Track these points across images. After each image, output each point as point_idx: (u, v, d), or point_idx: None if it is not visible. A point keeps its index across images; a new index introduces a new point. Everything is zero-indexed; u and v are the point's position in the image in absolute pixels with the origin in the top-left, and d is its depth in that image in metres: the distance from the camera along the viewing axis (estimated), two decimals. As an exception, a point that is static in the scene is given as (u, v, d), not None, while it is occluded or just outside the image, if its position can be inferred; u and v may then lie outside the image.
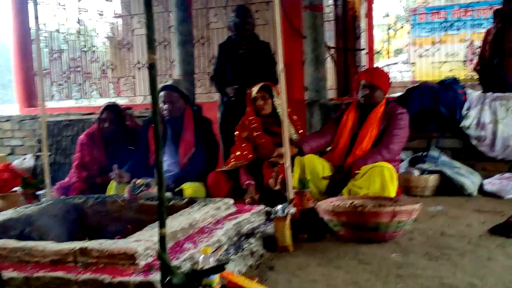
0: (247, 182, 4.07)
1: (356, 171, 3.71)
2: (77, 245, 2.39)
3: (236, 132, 4.34)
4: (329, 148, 4.16)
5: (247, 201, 3.93)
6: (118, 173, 3.99)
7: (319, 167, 3.89)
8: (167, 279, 1.89)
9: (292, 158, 3.79)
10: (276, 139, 4.06)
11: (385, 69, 9.21)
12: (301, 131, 4.33)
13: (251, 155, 4.21)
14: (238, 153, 4.23)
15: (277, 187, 3.74)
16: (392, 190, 3.62)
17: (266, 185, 3.92)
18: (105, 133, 4.62)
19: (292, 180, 3.47)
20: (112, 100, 6.51)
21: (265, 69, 4.84)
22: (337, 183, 3.81)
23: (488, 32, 7.45)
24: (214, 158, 4.35)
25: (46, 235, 3.20)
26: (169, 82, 4.31)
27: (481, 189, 4.62)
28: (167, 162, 4.22)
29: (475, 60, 7.58)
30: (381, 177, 3.61)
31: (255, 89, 4.20)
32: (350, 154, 3.94)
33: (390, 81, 4.18)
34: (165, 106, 4.17)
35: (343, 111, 4.18)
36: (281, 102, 3.96)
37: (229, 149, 4.43)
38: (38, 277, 2.26)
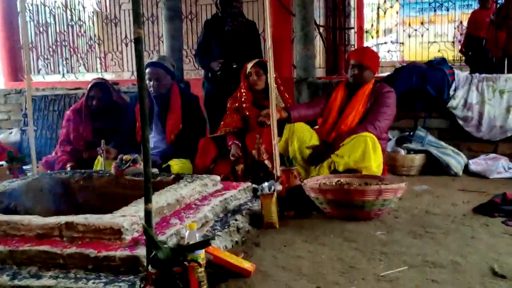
0: (231, 142, 4.10)
1: (341, 144, 3.72)
2: (63, 219, 2.39)
3: (228, 103, 4.37)
4: (316, 127, 4.16)
5: (231, 155, 3.99)
6: (105, 148, 3.97)
7: (307, 135, 3.92)
8: (153, 253, 1.90)
9: (282, 124, 3.85)
10: None
11: (374, 49, 9.20)
12: (289, 100, 4.36)
13: (238, 124, 4.24)
14: (227, 120, 4.28)
15: (260, 157, 3.73)
16: (373, 160, 3.60)
17: (250, 153, 3.92)
18: (93, 110, 4.59)
19: (279, 146, 3.51)
20: (99, 75, 6.45)
21: (252, 47, 4.81)
22: (320, 154, 3.82)
23: (472, 16, 7.48)
24: (201, 134, 4.33)
25: (31, 209, 3.19)
26: (155, 59, 4.26)
27: (466, 169, 4.64)
28: (154, 139, 4.21)
29: (461, 45, 7.62)
30: (364, 146, 3.61)
31: (250, 65, 4.20)
32: (335, 128, 3.96)
33: (379, 61, 4.18)
34: (151, 83, 4.13)
35: (333, 89, 4.20)
36: (272, 80, 4.04)
37: (215, 125, 4.47)
38: (23, 250, 2.26)
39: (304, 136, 3.90)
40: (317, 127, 4.17)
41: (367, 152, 3.59)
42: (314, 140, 3.94)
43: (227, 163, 4.04)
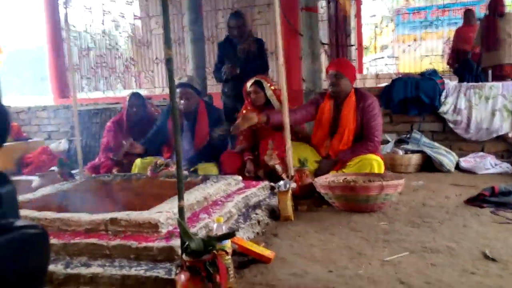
0: (246, 158, 4.11)
1: (348, 163, 3.69)
2: (108, 216, 2.42)
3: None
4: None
5: (246, 170, 3.99)
6: (130, 142, 4.01)
7: (308, 153, 3.87)
8: (186, 244, 1.91)
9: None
10: None
11: (372, 63, 9.16)
12: None
13: (250, 141, 4.23)
14: (240, 138, 4.27)
15: (271, 162, 3.72)
16: None
17: (263, 161, 3.91)
18: (132, 117, 4.63)
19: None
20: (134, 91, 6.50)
21: (259, 61, 4.82)
22: (326, 168, 3.74)
23: (457, 32, 7.43)
24: (224, 141, 4.35)
25: (80, 207, 3.23)
26: (184, 80, 4.29)
27: (457, 166, 4.61)
28: (184, 149, 4.22)
29: (448, 57, 7.57)
30: (370, 168, 3.58)
31: (248, 84, 4.19)
32: (331, 144, 3.86)
33: (355, 71, 4.07)
34: (181, 102, 4.16)
35: (319, 102, 3.98)
36: (271, 93, 4.11)
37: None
38: (74, 243, 2.29)
39: (306, 153, 3.83)
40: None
41: (373, 172, 3.56)
42: (313, 155, 3.90)
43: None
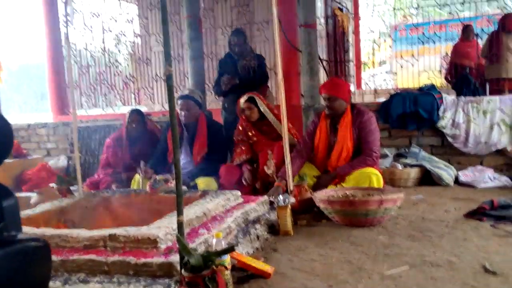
0: (244, 167, 4.14)
1: (346, 177, 3.69)
2: (106, 232, 2.41)
3: (234, 137, 4.38)
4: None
5: (243, 177, 4.02)
6: (144, 169, 4.03)
7: (310, 170, 3.91)
8: (185, 259, 1.90)
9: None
10: (268, 136, 4.25)
11: (371, 78, 9.19)
12: (293, 131, 4.32)
13: (248, 154, 4.25)
14: (238, 151, 4.28)
15: (270, 170, 3.73)
16: None
17: (262, 171, 3.92)
18: (132, 133, 4.65)
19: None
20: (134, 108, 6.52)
21: (259, 76, 4.86)
22: (324, 183, 3.75)
23: (456, 47, 7.50)
24: (224, 155, 4.36)
25: (79, 224, 3.22)
26: (186, 92, 4.33)
27: (456, 180, 4.60)
28: (183, 161, 4.24)
29: (446, 72, 7.61)
30: (369, 182, 3.58)
31: (242, 101, 4.23)
32: (329, 161, 3.88)
33: (348, 88, 4.06)
34: (183, 113, 4.19)
35: (316, 124, 4.02)
36: (265, 108, 4.18)
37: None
38: (73, 259, 2.28)
39: (305, 168, 3.89)
40: None
41: (372, 186, 3.56)
42: (311, 170, 3.92)
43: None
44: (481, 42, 7.27)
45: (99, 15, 7.95)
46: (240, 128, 4.34)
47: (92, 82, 8.17)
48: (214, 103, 6.85)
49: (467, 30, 7.44)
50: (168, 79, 1.99)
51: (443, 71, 8.83)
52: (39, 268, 0.80)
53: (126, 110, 6.32)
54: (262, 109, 4.19)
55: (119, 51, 8.49)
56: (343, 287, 2.09)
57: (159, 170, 4.07)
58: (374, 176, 3.60)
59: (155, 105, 8.08)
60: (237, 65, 4.87)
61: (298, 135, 4.40)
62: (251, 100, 4.19)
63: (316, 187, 3.75)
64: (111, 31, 8.15)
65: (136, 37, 8.51)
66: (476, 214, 3.21)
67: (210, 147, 4.26)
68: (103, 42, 8.18)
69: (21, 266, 0.76)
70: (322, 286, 2.12)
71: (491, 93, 5.53)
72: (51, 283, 2.13)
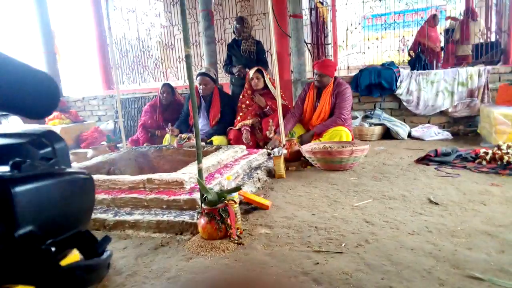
0: (244, 128, 4.04)
1: (323, 134, 3.68)
2: (145, 176, 2.43)
3: (239, 103, 4.27)
4: None
5: (243, 137, 3.95)
6: (171, 129, 4.02)
7: (298, 129, 3.90)
8: (204, 196, 1.92)
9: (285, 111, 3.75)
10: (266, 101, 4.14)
11: (344, 58, 9.03)
12: (284, 98, 4.25)
13: (253, 116, 4.12)
14: (238, 118, 4.16)
15: (271, 135, 3.72)
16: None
17: (265, 135, 3.91)
18: (164, 101, 4.61)
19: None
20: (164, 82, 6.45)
21: (258, 58, 4.73)
22: (306, 139, 3.75)
23: (422, 29, 7.26)
24: (232, 119, 4.33)
25: (124, 171, 3.24)
26: (203, 70, 4.25)
27: (409, 135, 4.59)
28: (202, 124, 4.21)
29: (410, 48, 7.39)
30: (339, 137, 3.58)
31: (252, 71, 4.15)
32: (311, 120, 3.87)
33: (335, 66, 4.00)
34: (201, 87, 4.13)
35: (306, 92, 3.98)
36: (268, 80, 4.10)
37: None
38: (120, 197, 2.31)
39: (294, 128, 3.87)
40: None
41: (342, 140, 3.56)
42: (300, 129, 3.91)
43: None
44: (439, 29, 7.12)
45: (133, 10, 7.76)
46: (245, 94, 4.26)
47: (130, 64, 8.04)
48: (224, 79, 6.77)
49: (435, 19, 7.18)
50: (187, 58, 1.95)
51: (401, 52, 8.63)
52: (84, 196, 0.80)
53: (157, 85, 6.24)
54: (266, 81, 4.13)
55: (150, 39, 8.30)
56: (323, 215, 2.12)
57: (183, 130, 4.06)
58: (343, 132, 3.60)
59: (179, 81, 7.96)
60: (240, 48, 4.75)
61: (287, 100, 4.36)
62: (259, 72, 4.14)
63: (301, 142, 3.75)
64: (143, 23, 7.97)
65: (163, 27, 8.31)
66: (424, 160, 3.22)
67: (222, 113, 4.22)
68: (138, 32, 8.00)
69: (70, 193, 0.75)
70: (307, 214, 2.14)
71: (459, 66, 5.43)
72: (104, 215, 2.17)
